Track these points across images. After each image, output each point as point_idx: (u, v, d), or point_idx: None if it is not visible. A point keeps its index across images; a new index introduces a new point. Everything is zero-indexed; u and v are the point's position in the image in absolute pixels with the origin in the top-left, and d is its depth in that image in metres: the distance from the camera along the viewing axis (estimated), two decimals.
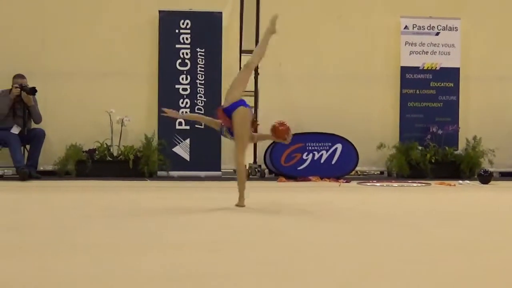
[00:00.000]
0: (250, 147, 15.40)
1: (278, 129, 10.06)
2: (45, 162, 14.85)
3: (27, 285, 4.94)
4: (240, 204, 9.59)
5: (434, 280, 5.31)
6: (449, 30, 16.02)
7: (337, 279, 5.19)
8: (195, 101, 15.24)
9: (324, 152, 15.37)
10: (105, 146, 14.84)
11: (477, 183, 14.66)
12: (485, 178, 14.66)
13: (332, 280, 5.15)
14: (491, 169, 15.26)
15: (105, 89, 15.22)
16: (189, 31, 15.26)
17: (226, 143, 14.81)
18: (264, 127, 15.62)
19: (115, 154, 14.84)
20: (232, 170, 15.28)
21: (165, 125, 15.05)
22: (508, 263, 6.17)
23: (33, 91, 14.24)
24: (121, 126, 14.82)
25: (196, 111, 15.13)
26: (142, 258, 6.09)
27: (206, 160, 15.27)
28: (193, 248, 6.64)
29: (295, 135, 15.07)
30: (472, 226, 9.12)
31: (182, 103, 15.13)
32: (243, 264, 5.71)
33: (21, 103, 14.33)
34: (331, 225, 8.50)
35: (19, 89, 14.20)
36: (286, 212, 10.04)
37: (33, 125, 14.58)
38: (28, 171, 14.00)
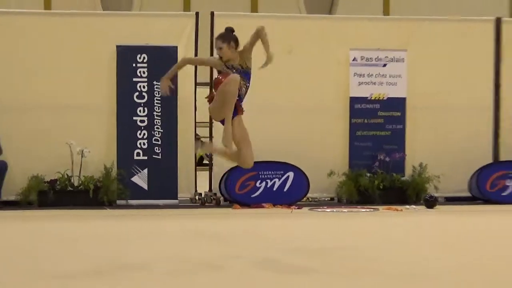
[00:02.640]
0: (206, 176, 16.47)
1: (220, 81, 9.72)
2: (8, 193, 15.29)
3: None
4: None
5: None
6: (396, 61, 16.51)
7: None
8: (153, 132, 15.77)
9: (276, 180, 15.93)
10: (66, 176, 15.28)
11: (423, 207, 15.44)
12: (431, 203, 15.49)
13: None
14: (436, 194, 16.01)
15: (65, 122, 15.63)
16: (146, 65, 15.76)
17: (182, 172, 15.95)
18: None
19: (75, 184, 15.31)
20: (188, 198, 16.20)
21: (124, 156, 15.67)
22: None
23: None
24: (81, 157, 15.29)
25: (153, 141, 15.73)
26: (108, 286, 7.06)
27: (163, 189, 15.74)
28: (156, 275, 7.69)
29: None
30: (419, 250, 10.13)
31: (140, 134, 15.71)
32: None
33: None
34: (282, 254, 9.37)
35: None
36: (241, 241, 10.98)
37: None
38: None
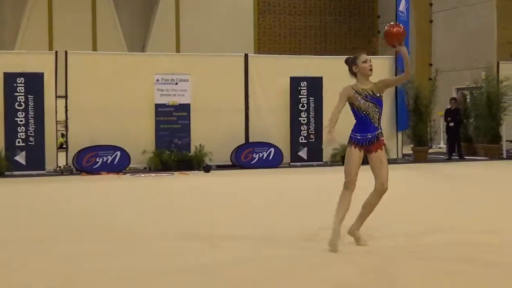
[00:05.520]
0: (64, 155, 16.74)
1: (392, 33, 6.93)
2: None
3: None
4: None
5: None
6: (183, 81, 17.27)
7: None
8: (28, 127, 16.08)
9: (109, 156, 16.48)
10: None
11: (202, 172, 16.65)
12: (207, 169, 16.86)
13: None
14: (210, 163, 17.23)
15: None
16: (23, 85, 16.02)
17: (48, 153, 16.08)
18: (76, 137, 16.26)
19: None
20: (52, 170, 16.26)
21: (9, 143, 15.99)
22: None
23: None
24: None
25: (28, 134, 15.93)
26: None
27: (35, 164, 16.09)
28: None
29: (91, 148, 16.20)
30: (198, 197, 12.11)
31: (20, 129, 15.99)
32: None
33: None
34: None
35: None
36: (84, 194, 12.55)
37: None
38: None
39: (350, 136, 6.99)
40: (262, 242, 7.35)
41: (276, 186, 14.11)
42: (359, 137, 6.93)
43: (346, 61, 7.15)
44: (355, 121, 7.02)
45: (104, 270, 6.17)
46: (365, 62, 6.99)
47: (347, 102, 6.99)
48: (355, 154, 6.92)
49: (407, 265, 6.31)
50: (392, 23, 7.14)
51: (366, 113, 6.96)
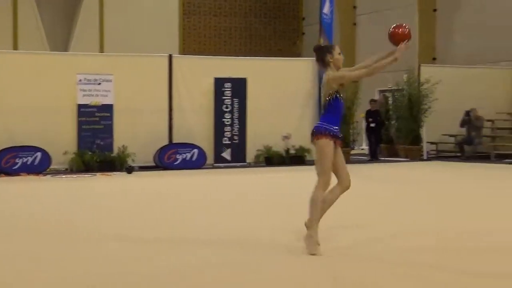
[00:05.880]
0: None
1: (397, 34, 6.67)
2: None
3: None
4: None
5: None
6: (106, 81, 17.09)
7: None
8: None
9: (29, 157, 16.20)
10: None
11: (125, 173, 16.50)
12: (130, 170, 16.76)
13: None
14: (133, 164, 17.15)
15: None
16: None
17: None
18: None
19: None
20: None
21: None
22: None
23: None
24: None
25: None
26: None
27: None
28: None
29: (10, 148, 15.96)
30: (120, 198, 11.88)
31: None
32: None
33: None
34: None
35: None
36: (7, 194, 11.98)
37: None
38: None
39: (325, 127, 6.55)
40: (201, 245, 7.30)
41: (201, 187, 14.12)
42: (335, 130, 6.58)
43: (319, 48, 6.85)
44: (326, 113, 6.61)
45: (32, 272, 6.07)
46: (340, 54, 6.76)
47: (328, 91, 6.63)
48: (332, 149, 6.53)
49: (352, 267, 6.32)
50: (395, 24, 6.82)
51: (342, 105, 6.69)
